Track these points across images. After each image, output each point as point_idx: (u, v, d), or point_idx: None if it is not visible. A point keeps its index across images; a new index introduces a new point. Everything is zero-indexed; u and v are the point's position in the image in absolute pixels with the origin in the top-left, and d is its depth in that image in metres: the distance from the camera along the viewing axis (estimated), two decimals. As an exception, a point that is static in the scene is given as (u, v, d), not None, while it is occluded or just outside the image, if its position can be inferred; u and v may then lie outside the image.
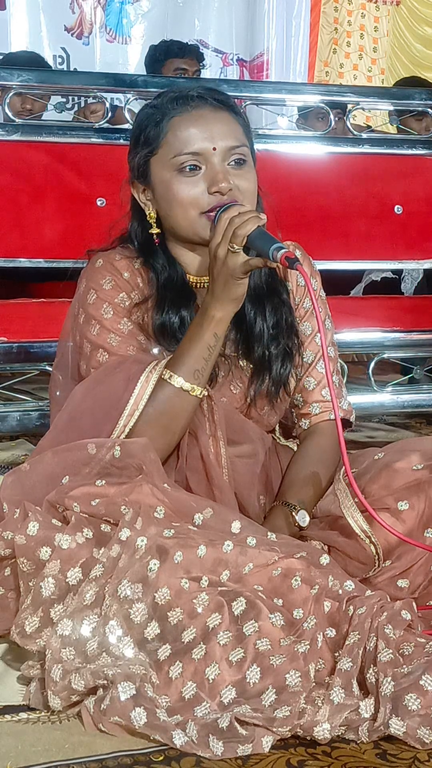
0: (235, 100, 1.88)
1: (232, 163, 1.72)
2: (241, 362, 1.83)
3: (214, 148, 1.70)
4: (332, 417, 1.89)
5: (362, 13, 7.45)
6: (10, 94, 3.03)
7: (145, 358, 1.72)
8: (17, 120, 3.01)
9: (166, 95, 1.76)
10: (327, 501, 1.80)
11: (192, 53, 4.98)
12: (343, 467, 1.83)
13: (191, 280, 1.81)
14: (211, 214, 1.70)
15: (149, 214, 1.78)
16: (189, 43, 5.26)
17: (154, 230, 1.78)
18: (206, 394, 1.71)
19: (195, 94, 1.74)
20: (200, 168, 1.71)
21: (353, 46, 7.44)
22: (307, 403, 1.90)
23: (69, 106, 4.41)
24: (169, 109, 1.74)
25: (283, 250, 1.59)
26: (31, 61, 4.38)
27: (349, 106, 3.46)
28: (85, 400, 1.70)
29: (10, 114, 3.00)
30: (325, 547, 1.74)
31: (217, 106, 1.74)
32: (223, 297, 1.66)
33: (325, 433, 1.88)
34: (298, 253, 1.88)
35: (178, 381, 1.67)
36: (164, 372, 1.67)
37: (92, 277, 1.80)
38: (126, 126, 3.20)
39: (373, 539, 1.70)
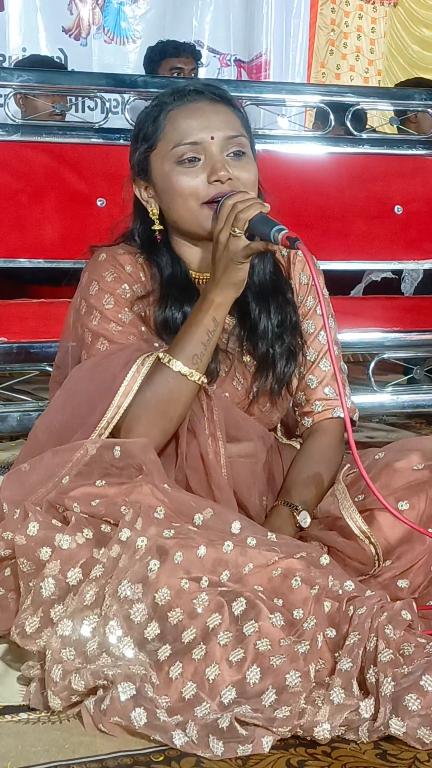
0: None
1: (231, 154, 1.73)
2: (244, 358, 1.83)
3: (212, 138, 1.72)
4: (335, 415, 1.89)
5: (359, 14, 7.44)
6: (11, 95, 3.03)
7: (145, 347, 1.73)
8: (17, 120, 3.01)
9: (165, 91, 1.78)
10: (326, 502, 1.79)
11: (187, 51, 4.98)
12: (345, 467, 1.84)
13: (194, 276, 1.82)
14: (213, 204, 1.70)
15: (151, 210, 1.79)
16: (185, 42, 5.25)
17: (157, 227, 1.79)
18: (205, 381, 1.71)
19: (192, 88, 1.77)
20: (199, 159, 1.72)
21: (350, 48, 7.43)
22: (309, 401, 1.90)
23: (68, 106, 4.41)
24: (166, 104, 1.76)
25: (284, 232, 1.59)
26: (46, 65, 4.41)
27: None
28: (82, 382, 1.70)
29: (10, 114, 3.00)
30: (325, 548, 1.73)
31: (215, 99, 1.76)
32: (223, 281, 1.67)
33: (327, 432, 1.88)
34: (300, 252, 1.89)
35: (176, 365, 1.67)
36: (163, 356, 1.68)
37: (94, 270, 1.81)
38: (125, 126, 3.20)
39: (372, 539, 1.70)
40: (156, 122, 1.75)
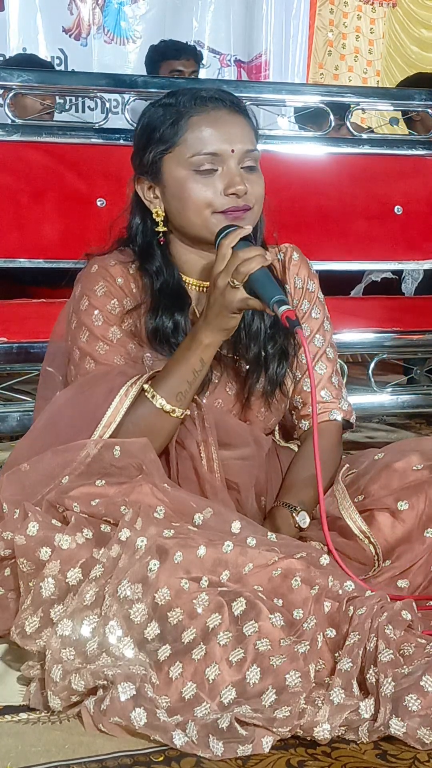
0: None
1: (246, 166, 1.73)
2: (237, 364, 1.83)
3: (233, 150, 1.72)
4: (332, 417, 1.89)
5: (358, 15, 7.44)
6: (11, 94, 3.03)
7: (129, 371, 1.73)
8: (17, 120, 3.01)
9: (182, 95, 1.77)
10: (326, 502, 1.79)
11: (189, 54, 4.92)
12: (344, 467, 1.84)
13: (191, 282, 1.81)
14: (225, 214, 1.70)
15: (156, 211, 1.78)
16: (187, 44, 5.22)
17: (161, 228, 1.79)
18: (188, 413, 1.72)
19: (212, 95, 1.75)
20: (216, 169, 1.72)
21: (348, 48, 7.43)
22: (306, 404, 1.90)
23: (68, 107, 4.41)
24: (187, 108, 1.74)
25: (284, 307, 1.58)
26: (30, 63, 4.40)
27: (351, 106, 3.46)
28: (66, 407, 1.71)
29: (9, 114, 3.00)
30: (325, 548, 1.73)
31: (233, 108, 1.76)
32: (215, 325, 1.67)
33: (324, 434, 1.88)
34: (295, 256, 1.90)
35: (159, 402, 1.68)
36: (148, 390, 1.69)
37: (86, 283, 1.81)
38: (125, 126, 3.20)
39: (372, 540, 1.70)
40: (175, 126, 1.74)
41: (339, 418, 1.91)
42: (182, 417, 1.71)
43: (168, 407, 1.69)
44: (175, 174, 1.74)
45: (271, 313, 1.62)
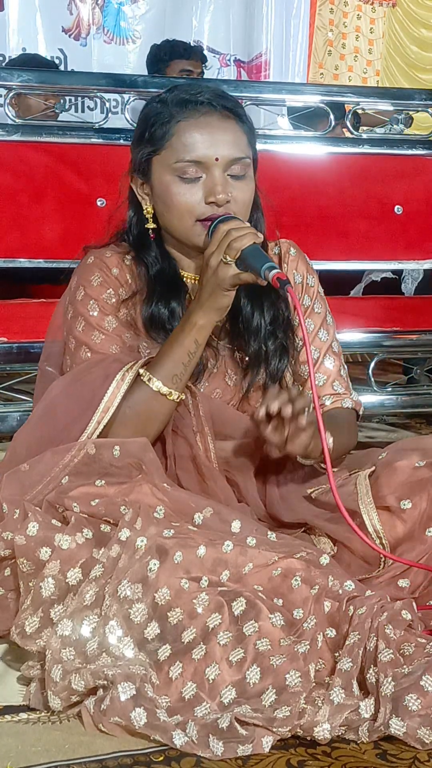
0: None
1: (233, 174, 1.73)
2: (236, 354, 1.83)
3: (217, 159, 1.71)
4: (345, 405, 1.89)
5: (358, 15, 7.44)
6: (10, 95, 3.03)
7: (125, 358, 1.73)
8: (17, 120, 3.01)
9: (176, 95, 1.76)
10: (344, 492, 1.77)
11: (197, 54, 4.97)
12: (369, 466, 1.82)
13: (187, 275, 1.82)
14: (206, 222, 1.71)
15: (146, 209, 1.79)
16: (193, 45, 5.25)
17: (150, 225, 1.79)
18: (183, 398, 1.72)
19: (205, 99, 1.73)
20: (200, 176, 1.71)
21: (348, 48, 7.43)
22: (319, 398, 1.89)
23: (68, 107, 4.39)
24: (177, 112, 1.73)
25: (275, 271, 1.60)
26: (34, 63, 4.41)
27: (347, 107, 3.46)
28: (62, 395, 1.71)
29: (9, 114, 3.00)
30: (335, 549, 1.73)
31: (225, 114, 1.74)
32: (208, 305, 1.68)
33: (340, 416, 1.87)
34: (292, 251, 1.90)
35: (156, 384, 1.68)
36: (143, 374, 1.69)
37: (82, 274, 1.82)
38: (125, 126, 3.20)
39: (384, 540, 1.70)
40: (164, 128, 1.73)
41: (351, 406, 1.91)
42: (178, 400, 1.71)
43: (164, 390, 1.69)
44: (161, 177, 1.74)
45: (263, 282, 1.63)
